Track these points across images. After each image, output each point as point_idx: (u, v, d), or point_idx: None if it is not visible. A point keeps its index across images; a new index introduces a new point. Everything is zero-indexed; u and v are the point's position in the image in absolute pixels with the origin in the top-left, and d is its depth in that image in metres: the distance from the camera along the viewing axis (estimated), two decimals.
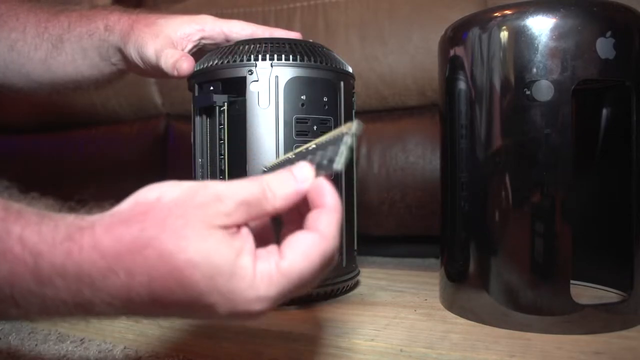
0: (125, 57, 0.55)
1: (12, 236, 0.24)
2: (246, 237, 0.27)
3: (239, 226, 0.27)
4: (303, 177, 0.29)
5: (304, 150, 0.32)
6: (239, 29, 0.53)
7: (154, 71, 0.53)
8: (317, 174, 0.29)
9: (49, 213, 0.26)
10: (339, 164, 0.28)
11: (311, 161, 0.30)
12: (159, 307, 0.27)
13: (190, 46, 0.53)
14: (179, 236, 0.25)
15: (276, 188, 0.28)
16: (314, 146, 0.32)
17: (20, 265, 0.24)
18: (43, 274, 0.24)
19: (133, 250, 0.25)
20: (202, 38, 0.53)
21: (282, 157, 0.32)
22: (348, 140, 0.29)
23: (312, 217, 0.28)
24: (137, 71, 0.57)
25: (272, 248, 0.27)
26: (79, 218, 0.26)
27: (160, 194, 0.27)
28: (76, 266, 0.25)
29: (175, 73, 0.50)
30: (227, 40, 0.54)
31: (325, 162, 0.29)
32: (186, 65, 0.49)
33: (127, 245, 0.25)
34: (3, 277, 0.24)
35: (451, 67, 0.45)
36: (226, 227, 0.26)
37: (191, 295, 0.26)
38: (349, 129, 0.30)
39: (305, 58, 0.49)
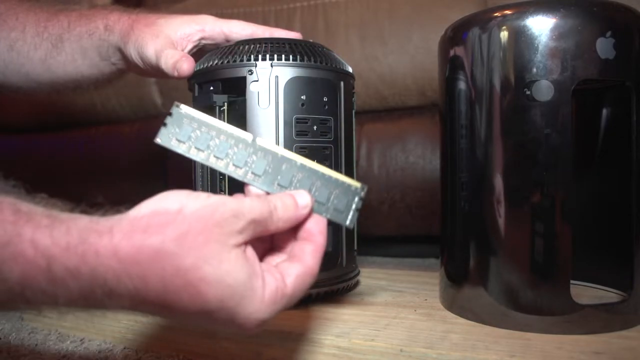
0: (125, 57, 0.55)
1: (23, 239, 0.24)
2: (254, 258, 0.29)
3: (247, 243, 0.29)
4: (304, 204, 0.32)
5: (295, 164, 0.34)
6: (239, 29, 0.53)
7: (154, 71, 0.53)
8: (315, 210, 0.32)
9: (58, 214, 0.26)
10: (352, 223, 0.33)
11: (309, 191, 0.33)
12: (165, 312, 0.28)
13: (190, 46, 0.53)
14: (198, 255, 0.26)
15: (281, 211, 0.31)
16: (301, 163, 0.34)
17: (32, 268, 0.24)
18: (56, 276, 0.25)
19: (151, 260, 0.26)
20: (202, 38, 0.53)
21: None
22: (359, 205, 0.33)
23: (303, 249, 0.31)
24: (137, 71, 0.57)
25: (275, 273, 0.29)
26: (93, 222, 0.26)
27: (181, 206, 0.28)
28: (91, 269, 0.25)
29: (176, 74, 0.50)
30: (227, 41, 0.54)
31: (331, 207, 0.33)
32: (186, 66, 0.49)
33: (146, 254, 0.26)
34: (15, 279, 0.24)
35: (451, 67, 0.45)
36: (238, 245, 0.28)
37: (200, 309, 0.27)
38: (358, 187, 0.33)
39: (305, 58, 0.49)
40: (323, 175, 0.33)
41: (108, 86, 0.63)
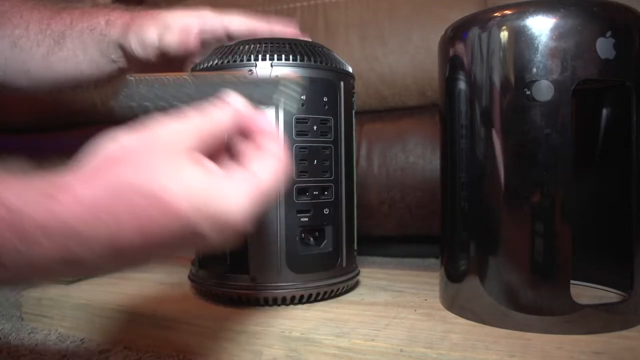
0: (125, 52, 0.55)
1: None
2: (212, 164, 0.30)
3: (199, 153, 0.30)
4: (233, 99, 0.34)
5: (208, 77, 0.38)
6: (239, 23, 0.54)
7: (156, 59, 0.53)
8: (256, 108, 0.35)
9: (20, 174, 0.27)
10: (294, 109, 0.38)
11: (242, 94, 0.35)
12: (151, 247, 0.28)
13: (190, 38, 0.53)
14: (155, 172, 0.27)
15: (216, 111, 0.32)
16: (216, 76, 0.37)
17: (4, 226, 0.25)
18: (27, 234, 0.25)
19: (114, 196, 0.26)
20: (202, 32, 0.54)
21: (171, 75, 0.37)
22: (286, 89, 0.37)
23: (259, 144, 0.33)
24: (137, 67, 0.57)
25: (234, 165, 0.31)
26: (50, 176, 0.27)
27: (123, 143, 0.29)
28: (61, 223, 0.25)
29: (182, 47, 0.50)
30: (228, 34, 0.54)
31: (263, 99, 0.36)
32: (192, 39, 0.49)
33: (108, 192, 0.26)
34: None
35: (451, 67, 0.45)
36: (191, 157, 0.29)
37: (179, 223, 0.27)
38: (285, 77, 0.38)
39: (305, 58, 0.49)
40: (250, 80, 0.37)
41: (108, 86, 0.63)
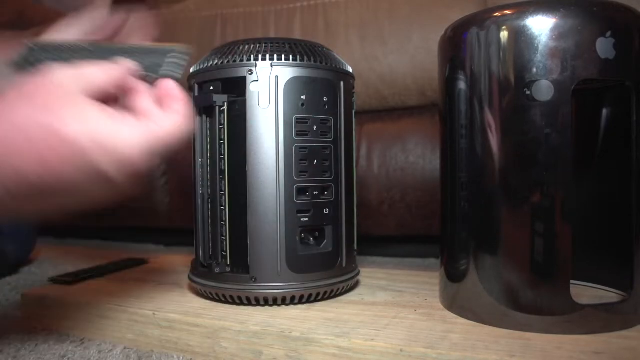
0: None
1: None
2: (108, 107, 0.33)
3: (94, 97, 0.33)
4: (130, 65, 0.37)
5: (104, 46, 0.41)
6: None
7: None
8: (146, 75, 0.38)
9: None
10: (179, 75, 0.40)
11: (134, 61, 0.38)
12: (57, 184, 0.30)
13: None
14: (53, 108, 0.30)
15: (110, 68, 0.35)
16: (120, 47, 0.41)
17: None
18: None
19: (13, 130, 0.29)
20: None
21: (68, 41, 0.40)
22: (176, 59, 0.41)
23: (164, 100, 0.36)
24: None
25: (132, 112, 0.34)
26: None
27: (21, 88, 0.31)
28: None
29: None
30: None
31: (154, 68, 0.39)
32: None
33: (7, 127, 0.29)
34: None
35: (451, 67, 0.45)
36: (87, 98, 0.32)
37: (78, 156, 0.30)
38: (175, 47, 0.42)
39: (305, 58, 0.49)
40: (141, 48, 0.41)
41: None
